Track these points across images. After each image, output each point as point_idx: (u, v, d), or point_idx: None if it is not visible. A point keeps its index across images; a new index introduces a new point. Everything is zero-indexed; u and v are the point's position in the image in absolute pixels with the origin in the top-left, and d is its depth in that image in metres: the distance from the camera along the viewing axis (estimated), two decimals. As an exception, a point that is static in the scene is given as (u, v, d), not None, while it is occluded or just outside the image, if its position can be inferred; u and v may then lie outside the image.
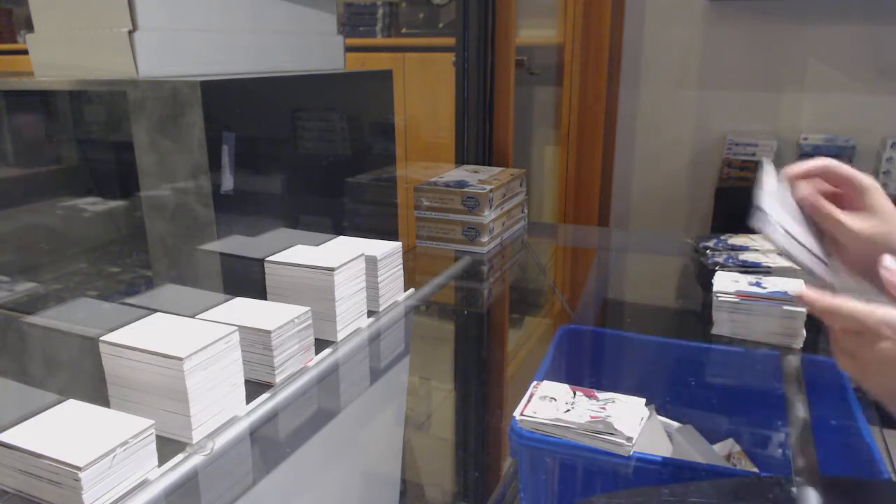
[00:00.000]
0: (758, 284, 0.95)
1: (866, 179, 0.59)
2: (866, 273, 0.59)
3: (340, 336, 0.85)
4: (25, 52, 0.91)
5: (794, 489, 0.60)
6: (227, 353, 0.67)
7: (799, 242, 0.58)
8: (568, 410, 0.70)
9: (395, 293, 0.98)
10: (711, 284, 0.97)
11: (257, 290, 0.86)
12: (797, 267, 0.58)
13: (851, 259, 0.60)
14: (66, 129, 1.03)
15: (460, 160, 1.62)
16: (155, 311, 0.72)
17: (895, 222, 0.57)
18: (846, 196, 0.61)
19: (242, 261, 0.86)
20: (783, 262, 1.05)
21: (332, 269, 0.82)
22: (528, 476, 0.72)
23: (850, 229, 0.58)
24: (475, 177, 1.37)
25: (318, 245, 0.93)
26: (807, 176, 0.63)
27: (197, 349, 0.63)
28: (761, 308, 0.92)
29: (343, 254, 0.86)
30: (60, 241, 1.04)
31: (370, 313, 0.92)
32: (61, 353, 0.78)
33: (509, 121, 1.61)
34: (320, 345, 0.83)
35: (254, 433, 0.69)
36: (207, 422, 0.65)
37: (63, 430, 0.57)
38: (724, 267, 1.05)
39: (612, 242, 1.76)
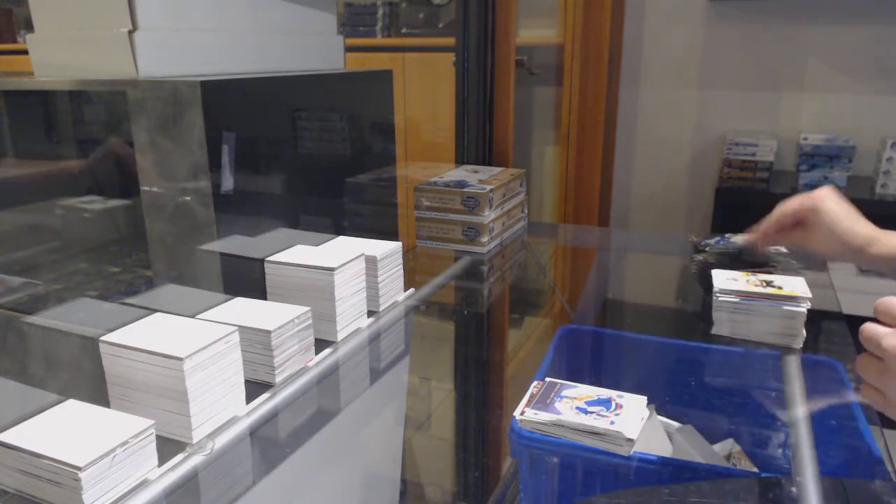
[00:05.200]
0: (759, 284, 0.95)
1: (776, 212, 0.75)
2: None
3: (340, 336, 0.85)
4: (25, 52, 0.91)
5: (794, 489, 0.60)
6: (227, 353, 0.67)
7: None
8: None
9: (395, 293, 0.98)
10: (711, 284, 0.97)
11: (257, 290, 0.86)
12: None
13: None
14: (66, 129, 1.03)
15: (460, 160, 1.62)
16: (155, 311, 0.72)
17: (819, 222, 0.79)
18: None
19: (242, 261, 0.86)
20: (785, 261, 1.05)
21: (332, 269, 0.82)
22: (528, 476, 0.72)
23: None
24: (475, 177, 1.37)
25: (318, 245, 0.93)
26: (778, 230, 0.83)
27: (197, 349, 0.63)
28: (761, 308, 0.92)
29: (343, 254, 0.86)
30: (60, 241, 1.04)
31: (370, 313, 0.92)
32: (61, 353, 0.78)
33: (509, 121, 1.61)
34: (320, 345, 0.83)
35: (254, 433, 0.69)
36: (207, 422, 0.65)
37: (63, 430, 0.57)
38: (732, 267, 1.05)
39: (612, 242, 1.76)
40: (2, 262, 0.99)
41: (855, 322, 1.17)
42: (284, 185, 0.95)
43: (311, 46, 1.10)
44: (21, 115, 1.03)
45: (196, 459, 0.62)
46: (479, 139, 1.60)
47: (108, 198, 1.04)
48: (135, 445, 0.56)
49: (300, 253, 0.88)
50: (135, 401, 0.65)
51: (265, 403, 0.72)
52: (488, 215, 1.28)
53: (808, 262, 1.07)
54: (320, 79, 1.07)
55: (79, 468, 0.52)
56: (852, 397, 0.78)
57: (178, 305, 0.78)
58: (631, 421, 0.67)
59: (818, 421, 0.73)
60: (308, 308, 0.78)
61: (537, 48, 2.52)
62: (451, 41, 1.63)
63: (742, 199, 2.19)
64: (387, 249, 0.94)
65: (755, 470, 0.89)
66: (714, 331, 0.95)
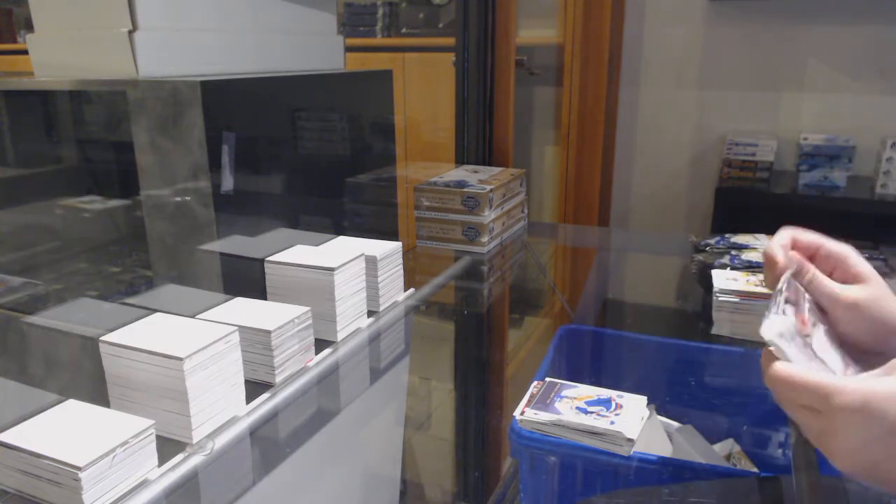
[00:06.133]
0: (759, 284, 0.95)
1: (844, 248, 0.58)
2: (849, 339, 0.56)
3: (340, 336, 0.85)
4: (25, 52, 0.91)
5: (794, 489, 0.60)
6: (227, 353, 0.67)
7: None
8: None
9: (395, 293, 0.98)
10: (711, 284, 0.97)
11: (257, 290, 0.86)
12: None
13: (839, 328, 0.57)
14: (66, 129, 1.03)
15: (460, 160, 1.62)
16: (155, 311, 0.72)
17: (880, 285, 0.56)
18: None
19: (242, 261, 0.86)
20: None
21: (332, 269, 0.82)
22: (528, 476, 0.72)
23: (847, 302, 0.55)
24: (475, 177, 1.37)
25: (318, 245, 0.93)
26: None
27: (197, 349, 0.63)
28: (761, 308, 0.92)
29: (343, 254, 0.86)
30: (60, 241, 1.04)
31: (370, 313, 0.92)
32: (61, 353, 0.78)
33: (509, 121, 1.61)
34: (320, 345, 0.83)
35: (254, 433, 0.69)
36: (207, 422, 0.65)
37: (63, 430, 0.57)
38: (732, 267, 1.05)
39: (612, 242, 1.76)
40: (2, 262, 0.99)
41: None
42: (284, 185, 0.95)
43: (311, 46, 1.10)
44: (21, 115, 1.03)
45: (196, 459, 0.62)
46: (479, 139, 1.60)
47: (107, 198, 1.04)
48: (135, 445, 0.56)
49: (300, 253, 0.88)
50: (135, 401, 0.65)
51: (265, 403, 0.72)
52: (488, 215, 1.28)
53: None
54: (320, 79, 1.07)
55: (79, 468, 0.52)
56: None
57: (178, 305, 0.78)
58: (631, 421, 0.67)
59: (818, 421, 0.73)
60: (308, 308, 0.78)
61: (537, 48, 2.52)
62: (451, 41, 1.63)
63: (742, 199, 2.19)
64: (387, 249, 0.94)
65: (755, 470, 0.89)
66: (714, 331, 0.95)
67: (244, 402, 0.70)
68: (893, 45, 2.15)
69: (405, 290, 1.01)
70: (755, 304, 0.93)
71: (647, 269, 1.49)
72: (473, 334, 1.21)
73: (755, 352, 0.90)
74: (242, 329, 0.70)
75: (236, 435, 0.67)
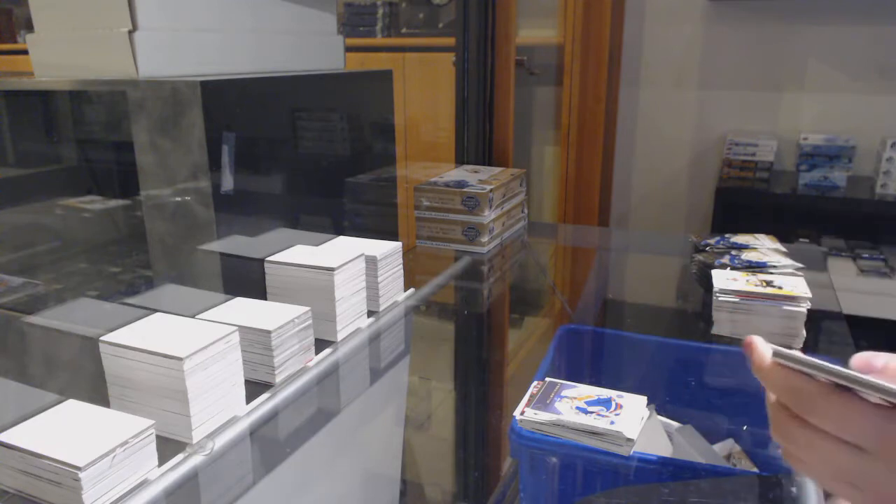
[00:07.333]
0: (759, 284, 0.95)
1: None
2: None
3: (340, 336, 0.85)
4: (25, 52, 0.91)
5: (794, 489, 0.60)
6: (227, 353, 0.67)
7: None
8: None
9: (395, 293, 0.98)
10: (711, 284, 0.97)
11: (257, 290, 0.86)
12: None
13: None
14: (66, 129, 1.03)
15: (460, 160, 1.62)
16: (155, 311, 0.72)
17: None
18: None
19: (242, 261, 0.86)
20: (785, 261, 1.05)
21: (332, 269, 0.82)
22: (528, 476, 0.72)
23: None
24: (475, 177, 1.37)
25: (318, 245, 0.93)
26: None
27: (197, 349, 0.63)
28: (761, 308, 0.92)
29: (343, 254, 0.86)
30: (60, 241, 1.04)
31: (370, 313, 0.92)
32: (61, 353, 0.78)
33: (509, 121, 1.61)
34: (320, 345, 0.83)
35: (254, 433, 0.69)
36: (207, 422, 0.65)
37: (63, 430, 0.57)
38: (732, 267, 1.05)
39: (612, 242, 1.76)
40: (2, 262, 0.99)
41: (855, 322, 1.17)
42: (284, 185, 0.95)
43: (311, 46, 1.10)
44: (21, 115, 1.03)
45: (196, 459, 0.62)
46: (479, 139, 1.60)
47: (107, 198, 1.04)
48: (135, 445, 0.56)
49: (300, 253, 0.88)
50: (135, 401, 0.65)
51: (265, 403, 0.72)
52: (488, 215, 1.28)
53: (808, 263, 1.07)
54: (320, 79, 1.07)
55: (79, 468, 0.52)
56: None
57: (178, 305, 0.78)
58: (631, 421, 0.67)
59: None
60: (308, 308, 0.78)
61: (537, 48, 2.52)
62: (451, 41, 1.63)
63: (742, 199, 2.19)
64: (387, 249, 0.94)
65: (755, 470, 0.89)
66: (714, 331, 0.95)
67: (244, 402, 0.70)
68: (893, 45, 2.15)
69: (405, 290, 1.01)
70: (755, 304, 0.93)
71: (647, 269, 1.49)
72: (473, 334, 1.21)
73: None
74: (242, 329, 0.70)
75: (236, 435, 0.67)
